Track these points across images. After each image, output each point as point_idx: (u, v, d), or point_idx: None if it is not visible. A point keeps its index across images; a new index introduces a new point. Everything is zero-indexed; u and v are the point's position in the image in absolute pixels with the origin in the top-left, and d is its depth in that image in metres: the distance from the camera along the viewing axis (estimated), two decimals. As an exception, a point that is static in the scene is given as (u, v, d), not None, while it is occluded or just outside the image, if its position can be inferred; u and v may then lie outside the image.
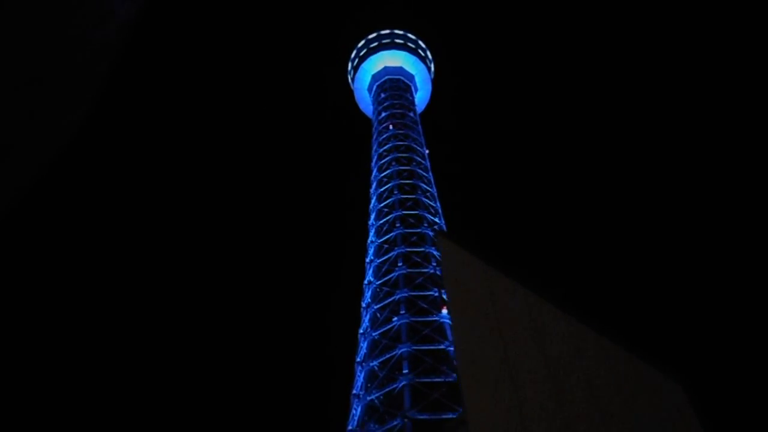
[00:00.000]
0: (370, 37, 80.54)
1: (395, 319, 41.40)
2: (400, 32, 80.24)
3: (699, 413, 9.26)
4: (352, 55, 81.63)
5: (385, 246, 49.42)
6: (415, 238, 48.65)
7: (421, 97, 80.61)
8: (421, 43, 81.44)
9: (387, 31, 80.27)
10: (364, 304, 46.92)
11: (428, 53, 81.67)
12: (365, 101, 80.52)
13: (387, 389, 36.81)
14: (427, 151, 66.18)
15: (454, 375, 35.29)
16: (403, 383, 36.21)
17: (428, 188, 57.29)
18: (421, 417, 33.58)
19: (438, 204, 56.66)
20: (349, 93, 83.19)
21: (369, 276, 48.45)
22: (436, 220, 52.80)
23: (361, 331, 44.62)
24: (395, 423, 33.76)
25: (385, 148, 62.85)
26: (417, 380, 36.06)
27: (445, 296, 39.08)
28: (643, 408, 8.31)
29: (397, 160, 59.99)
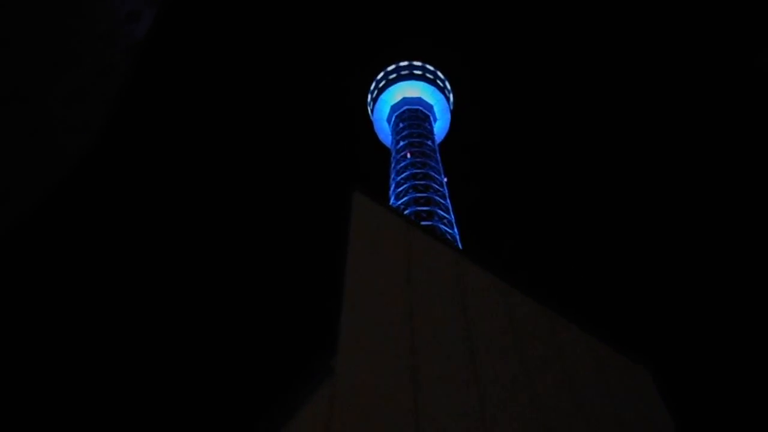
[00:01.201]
0: (389, 69, 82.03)
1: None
2: (419, 63, 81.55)
3: (663, 394, 8.87)
4: (371, 87, 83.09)
5: (402, 272, 49.16)
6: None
7: (441, 126, 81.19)
8: (439, 73, 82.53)
9: (405, 63, 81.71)
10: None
11: (447, 83, 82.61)
12: (384, 131, 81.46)
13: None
14: (445, 179, 66.27)
15: None
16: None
17: (445, 215, 57.12)
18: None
19: (456, 230, 56.35)
20: (370, 124, 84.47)
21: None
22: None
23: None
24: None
25: (402, 176, 63.16)
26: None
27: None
28: (593, 387, 7.92)
29: (414, 188, 60.16)
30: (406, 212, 56.29)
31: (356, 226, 6.24)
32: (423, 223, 54.10)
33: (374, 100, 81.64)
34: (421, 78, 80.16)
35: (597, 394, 7.58)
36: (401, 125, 73.75)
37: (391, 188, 63.70)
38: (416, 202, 57.91)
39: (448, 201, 60.81)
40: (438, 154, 70.03)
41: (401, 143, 69.61)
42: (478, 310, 6.36)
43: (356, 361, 4.83)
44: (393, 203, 60.48)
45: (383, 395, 4.90)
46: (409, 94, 79.34)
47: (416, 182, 60.85)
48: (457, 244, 54.59)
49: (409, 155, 66.84)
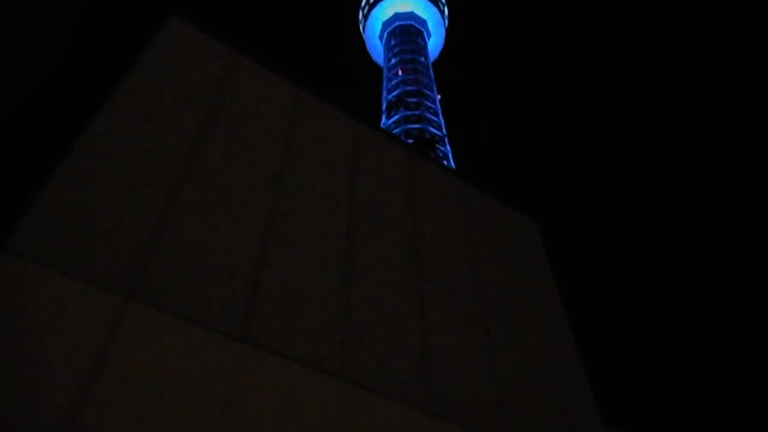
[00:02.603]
0: (380, -18, 78.05)
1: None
2: (411, -25, 77.41)
3: (547, 246, 8.55)
4: (362, 3, 79.45)
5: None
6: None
7: (435, 43, 78.03)
8: (433, -15, 78.45)
9: (397, -24, 77.59)
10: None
11: (441, -5, 78.68)
12: (377, 50, 78.56)
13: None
14: (438, 96, 64.31)
15: None
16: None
17: (437, 132, 55.82)
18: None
19: (448, 148, 55.27)
20: (363, 43, 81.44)
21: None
22: (445, 163, 51.49)
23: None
24: None
25: (394, 94, 61.33)
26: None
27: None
28: (491, 239, 7.50)
29: (406, 106, 58.52)
30: (397, 130, 55.03)
31: (159, 48, 5.44)
32: (414, 141, 52.93)
33: (365, 17, 78.21)
34: (414, -9, 76.29)
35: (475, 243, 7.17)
36: (393, 42, 70.94)
37: (384, 107, 62.06)
38: (407, 120, 56.46)
39: (441, 118, 59.25)
40: (431, 71, 67.64)
41: (393, 60, 67.20)
42: (303, 151, 5.74)
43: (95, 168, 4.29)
44: (384, 123, 59.06)
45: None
46: (401, 9, 75.77)
47: (407, 99, 59.13)
48: (450, 162, 53.67)
49: (400, 72, 64.62)
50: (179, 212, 4.63)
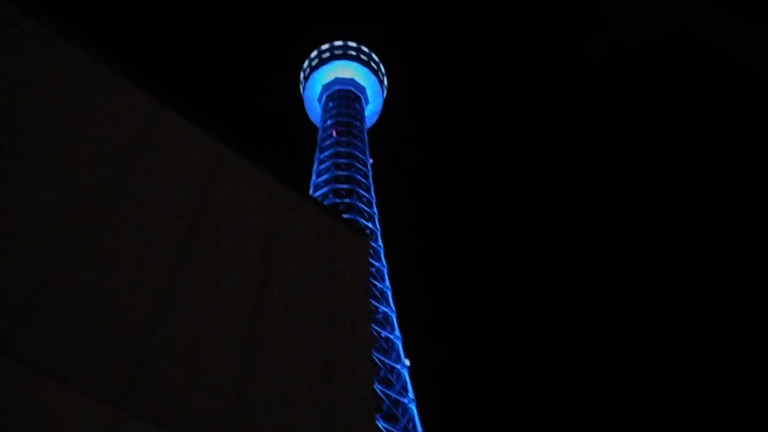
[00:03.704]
0: (323, 47, 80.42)
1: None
2: (354, 44, 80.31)
3: (369, 257, 8.62)
4: (304, 65, 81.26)
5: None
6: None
7: (373, 110, 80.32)
8: (374, 56, 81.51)
9: (340, 43, 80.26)
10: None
11: (381, 66, 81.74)
12: (315, 111, 79.90)
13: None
14: (371, 161, 65.46)
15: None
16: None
17: (365, 194, 56.36)
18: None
19: (375, 209, 55.71)
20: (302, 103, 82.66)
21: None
22: (369, 224, 51.78)
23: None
24: None
25: (326, 154, 61.98)
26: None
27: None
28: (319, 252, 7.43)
29: (336, 166, 59.10)
30: (325, 189, 55.17)
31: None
32: (341, 200, 53.14)
33: (306, 78, 79.84)
34: (355, 59, 78.97)
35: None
36: (330, 104, 72.47)
37: (314, 166, 62.38)
38: (336, 179, 56.88)
39: (371, 180, 60.08)
40: (365, 135, 69.13)
41: (329, 122, 68.37)
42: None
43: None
44: (314, 180, 59.17)
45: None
46: (342, 74, 78.01)
47: (339, 160, 59.80)
48: (375, 224, 53.94)
49: (335, 134, 65.65)
50: (169, 315, 4.82)
